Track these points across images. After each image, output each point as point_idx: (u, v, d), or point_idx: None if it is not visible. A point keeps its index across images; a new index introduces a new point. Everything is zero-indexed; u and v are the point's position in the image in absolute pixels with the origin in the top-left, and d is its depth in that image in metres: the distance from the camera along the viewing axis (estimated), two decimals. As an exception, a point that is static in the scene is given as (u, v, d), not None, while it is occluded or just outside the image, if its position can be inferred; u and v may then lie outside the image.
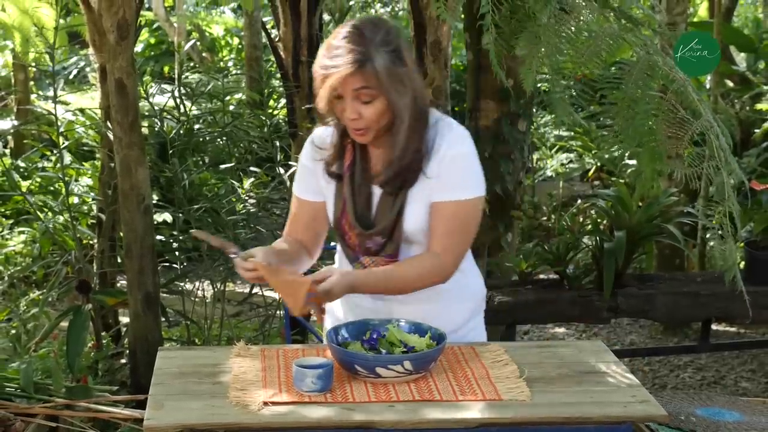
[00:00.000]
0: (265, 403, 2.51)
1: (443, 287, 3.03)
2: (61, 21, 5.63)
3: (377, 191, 3.02)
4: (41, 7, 5.79)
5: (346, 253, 3.11)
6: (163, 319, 5.15)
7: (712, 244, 4.06)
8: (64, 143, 5.43)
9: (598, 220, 6.15)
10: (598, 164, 10.63)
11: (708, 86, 9.01)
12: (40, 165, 8.78)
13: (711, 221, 3.91)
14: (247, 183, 6.13)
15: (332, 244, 3.36)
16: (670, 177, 4.19)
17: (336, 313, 3.18)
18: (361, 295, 3.03)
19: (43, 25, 5.85)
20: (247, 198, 5.94)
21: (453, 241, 2.98)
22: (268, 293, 6.14)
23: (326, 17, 12.19)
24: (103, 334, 5.44)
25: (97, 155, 6.53)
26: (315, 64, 2.89)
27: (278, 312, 5.76)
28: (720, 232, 3.87)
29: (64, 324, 4.80)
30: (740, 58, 11.42)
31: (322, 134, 3.12)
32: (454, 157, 2.96)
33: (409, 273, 2.96)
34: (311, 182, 3.13)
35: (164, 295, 5.49)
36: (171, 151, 5.79)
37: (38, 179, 8.65)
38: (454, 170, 2.96)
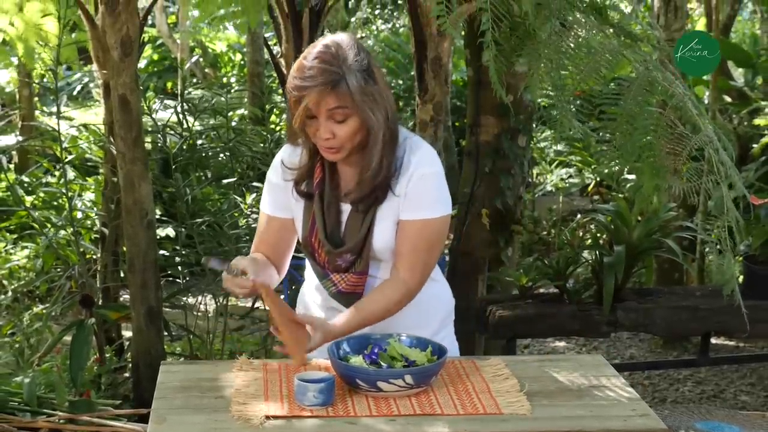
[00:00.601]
0: (267, 417, 2.51)
1: (411, 305, 3.03)
2: (66, 36, 5.62)
3: (346, 208, 3.01)
4: (45, 23, 5.79)
5: (316, 270, 3.10)
6: (165, 333, 5.15)
7: (710, 258, 4.05)
8: (67, 158, 5.43)
9: (598, 235, 6.15)
10: (598, 179, 10.63)
11: (706, 101, 9.02)
12: (43, 180, 8.78)
13: (710, 236, 3.90)
14: (250, 198, 6.13)
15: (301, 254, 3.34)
16: (669, 192, 4.18)
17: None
18: (341, 306, 3.05)
19: (47, 41, 5.86)
20: (249, 213, 5.94)
21: (419, 260, 2.99)
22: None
23: (327, 34, 12.21)
24: (106, 348, 5.44)
25: (101, 170, 6.53)
26: (288, 85, 2.85)
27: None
28: (718, 246, 3.87)
29: (68, 338, 4.80)
30: (738, 74, 11.43)
31: (291, 154, 3.08)
32: (422, 176, 2.95)
33: (377, 308, 2.96)
34: (280, 199, 3.10)
35: (167, 309, 5.50)
36: (174, 167, 5.80)
37: (42, 194, 8.65)
38: (422, 189, 2.95)
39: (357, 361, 2.76)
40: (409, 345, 2.85)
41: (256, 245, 3.18)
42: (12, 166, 10.16)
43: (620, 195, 8.89)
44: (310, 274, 3.22)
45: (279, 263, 3.18)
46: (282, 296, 3.53)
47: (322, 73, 2.78)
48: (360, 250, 2.97)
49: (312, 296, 3.22)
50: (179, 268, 5.97)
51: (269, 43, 9.02)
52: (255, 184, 6.17)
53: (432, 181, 2.98)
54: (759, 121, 8.41)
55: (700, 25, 13.46)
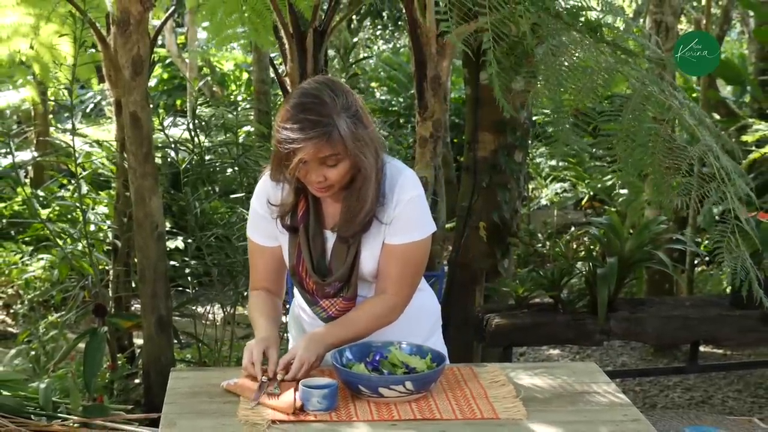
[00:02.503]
0: (273, 422, 2.52)
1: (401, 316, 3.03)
2: (82, 55, 5.63)
3: (331, 237, 2.98)
4: (60, 44, 5.81)
5: (305, 297, 3.07)
6: (175, 341, 5.15)
7: (720, 260, 4.03)
8: (81, 173, 5.44)
9: (591, 247, 6.17)
10: (591, 193, 10.64)
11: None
12: (58, 194, 8.79)
13: (701, 248, 3.91)
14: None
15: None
16: (670, 205, 4.18)
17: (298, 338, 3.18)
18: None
19: (62, 61, 5.87)
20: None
21: (406, 281, 2.98)
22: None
23: (331, 53, 12.24)
24: (119, 355, 5.45)
25: (113, 185, 6.54)
26: (277, 134, 2.77)
27: (285, 334, 5.75)
28: (732, 250, 3.85)
29: (82, 346, 4.80)
30: (726, 92, 11.45)
31: (273, 188, 3.01)
32: (407, 202, 2.92)
33: (363, 322, 2.94)
34: (267, 228, 3.03)
35: (176, 318, 5.49)
36: (183, 181, 5.81)
37: (57, 208, 8.66)
38: (410, 214, 2.93)
39: (359, 368, 2.76)
40: (410, 353, 2.85)
41: (253, 282, 3.13)
42: (28, 180, 10.18)
43: (613, 209, 8.91)
44: (299, 298, 3.19)
45: (279, 291, 3.17)
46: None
47: (314, 125, 2.70)
48: (348, 277, 2.95)
49: (304, 314, 3.19)
50: (188, 278, 5.97)
51: (275, 62, 9.02)
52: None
53: (417, 204, 2.95)
54: (747, 137, 8.42)
55: (690, 45, 13.46)
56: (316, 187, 2.84)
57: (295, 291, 3.21)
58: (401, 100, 12.99)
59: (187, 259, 5.90)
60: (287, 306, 3.50)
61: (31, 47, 5.65)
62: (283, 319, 3.72)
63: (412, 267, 2.99)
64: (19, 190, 9.29)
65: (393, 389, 2.64)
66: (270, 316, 3.02)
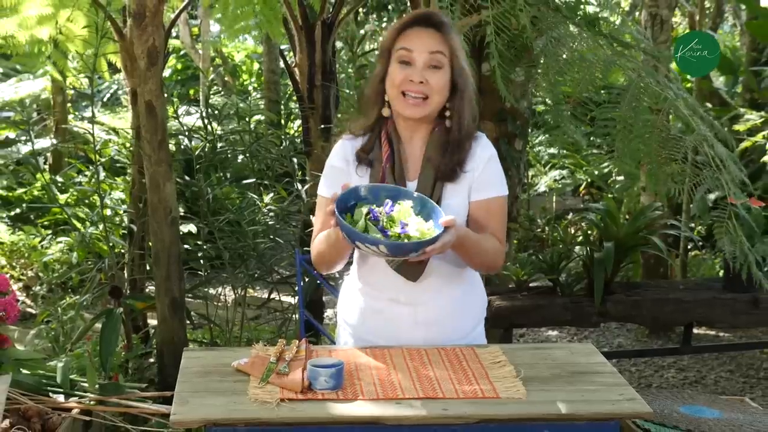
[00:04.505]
0: (282, 400, 2.51)
1: (459, 298, 3.02)
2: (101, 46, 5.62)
3: (412, 186, 2.94)
4: (82, 35, 5.78)
5: None
6: (188, 321, 5.15)
7: (721, 244, 4.02)
8: (99, 160, 5.44)
9: (589, 232, 6.15)
10: (589, 180, 10.63)
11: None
12: (76, 180, 8.79)
13: (695, 234, 3.91)
14: (267, 197, 6.13)
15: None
16: (656, 193, 4.17)
17: (350, 320, 3.14)
18: (382, 302, 2.99)
19: (81, 51, 5.85)
20: (266, 211, 5.94)
21: (503, 232, 3.02)
22: (285, 299, 6.14)
23: (339, 45, 12.20)
24: (133, 335, 5.44)
25: (129, 171, 6.53)
26: (388, 33, 2.90)
27: (294, 316, 5.76)
28: (730, 233, 3.84)
29: (98, 326, 4.80)
30: (719, 83, 11.42)
31: (349, 141, 3.05)
32: (490, 158, 2.98)
33: (489, 247, 2.94)
34: (341, 180, 2.92)
35: (189, 299, 5.50)
36: (196, 168, 5.80)
37: (75, 193, 8.66)
38: (493, 169, 2.98)
39: (358, 213, 2.72)
40: (418, 211, 2.77)
41: (317, 230, 3.07)
42: (47, 167, 10.18)
43: (609, 195, 8.90)
44: (353, 279, 3.15)
45: None
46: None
47: (429, 15, 2.86)
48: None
49: (356, 300, 3.12)
50: (201, 261, 5.97)
51: (284, 53, 9.01)
52: (271, 183, 6.18)
53: (497, 161, 3.02)
54: (739, 126, 8.40)
55: (684, 37, 13.42)
56: (414, 94, 2.88)
57: (348, 278, 3.18)
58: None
59: (199, 242, 5.90)
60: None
61: (52, 38, 5.63)
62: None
63: (503, 218, 3.02)
64: (38, 176, 9.32)
65: (369, 247, 2.63)
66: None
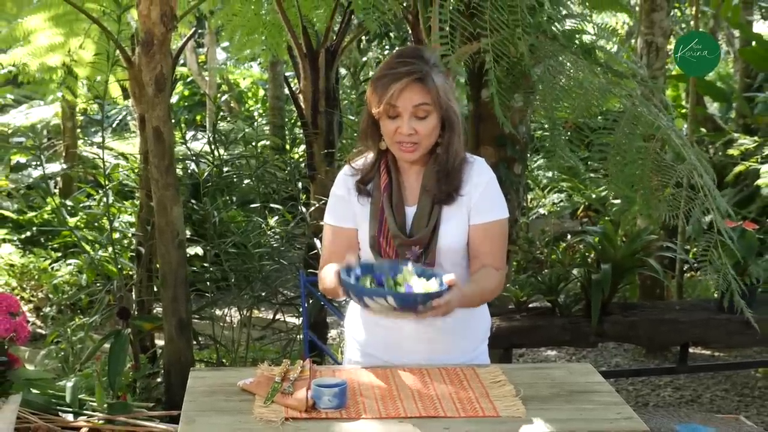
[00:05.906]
0: (287, 419, 2.51)
1: (462, 320, 3.00)
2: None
3: (410, 211, 2.97)
4: (92, 63, 5.81)
5: None
6: (194, 342, 5.15)
7: (704, 273, 4.03)
8: (108, 184, 5.44)
9: (586, 254, 6.15)
10: (586, 203, 10.63)
11: (685, 133, 9.04)
12: (85, 203, 8.80)
13: (690, 256, 3.92)
14: (272, 220, 6.14)
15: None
16: (658, 217, 4.18)
17: (357, 336, 3.15)
18: (388, 319, 2.96)
19: (92, 78, 5.88)
20: (272, 234, 5.94)
21: (503, 256, 3.02)
22: (289, 319, 6.14)
23: (342, 71, 12.24)
24: (141, 355, 5.44)
25: (137, 195, 6.54)
26: (371, 84, 2.88)
27: (298, 336, 5.75)
28: (714, 262, 3.84)
29: (106, 346, 4.80)
30: (713, 109, 11.45)
31: (350, 172, 3.06)
32: (488, 182, 2.98)
33: (489, 286, 2.95)
34: (345, 210, 3.03)
35: (196, 320, 5.49)
36: (203, 191, 5.81)
37: (84, 216, 8.67)
38: (491, 193, 2.98)
39: (365, 280, 2.74)
40: (420, 274, 2.77)
41: (325, 258, 3.08)
42: (57, 191, 10.20)
43: (607, 218, 8.90)
44: None
45: None
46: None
47: (411, 70, 2.82)
48: (428, 242, 2.92)
49: (363, 317, 3.13)
50: (207, 283, 5.97)
51: (289, 80, 9.04)
52: (276, 207, 6.18)
53: (495, 186, 3.01)
54: (732, 151, 8.41)
55: (679, 64, 13.45)
56: (405, 144, 2.88)
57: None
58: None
59: (206, 264, 5.90)
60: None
61: (65, 64, 5.66)
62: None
63: (504, 241, 3.02)
64: (48, 199, 9.33)
65: (377, 301, 2.61)
66: None
